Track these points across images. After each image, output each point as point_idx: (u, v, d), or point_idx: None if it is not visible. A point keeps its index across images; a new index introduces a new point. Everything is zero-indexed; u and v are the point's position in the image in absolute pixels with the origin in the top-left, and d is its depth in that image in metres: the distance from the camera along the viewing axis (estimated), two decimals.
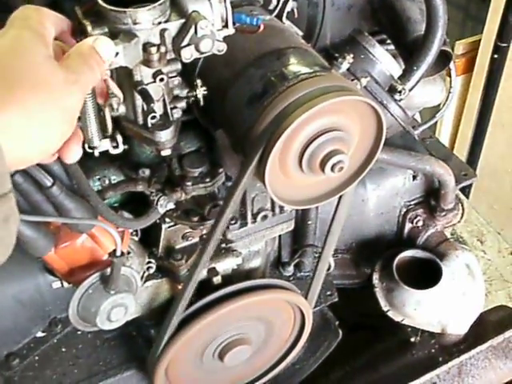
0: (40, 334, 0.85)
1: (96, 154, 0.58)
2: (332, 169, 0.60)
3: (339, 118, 0.59)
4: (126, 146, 0.60)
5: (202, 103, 0.61)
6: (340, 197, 0.73)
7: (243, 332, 0.80)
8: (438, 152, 0.95)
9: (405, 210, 0.93)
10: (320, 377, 0.92)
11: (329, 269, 0.87)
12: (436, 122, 1.10)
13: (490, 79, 1.66)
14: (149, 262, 0.75)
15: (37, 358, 0.83)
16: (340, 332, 0.89)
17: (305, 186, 0.65)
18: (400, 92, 0.77)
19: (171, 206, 0.67)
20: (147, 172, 0.69)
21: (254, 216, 0.78)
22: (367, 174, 0.87)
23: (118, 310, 0.67)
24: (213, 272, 0.77)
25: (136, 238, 0.72)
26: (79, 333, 0.85)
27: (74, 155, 0.50)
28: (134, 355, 0.83)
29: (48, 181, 0.60)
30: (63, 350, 0.84)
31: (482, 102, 1.71)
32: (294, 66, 0.60)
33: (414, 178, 0.92)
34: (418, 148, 0.90)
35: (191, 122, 0.68)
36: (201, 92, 0.61)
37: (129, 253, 0.70)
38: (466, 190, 1.70)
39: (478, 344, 0.90)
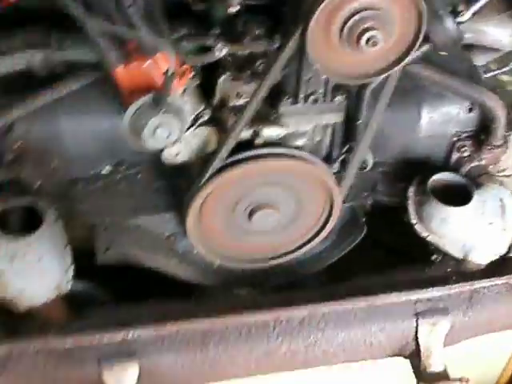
0: (105, 171, 0.98)
1: None
2: (367, 42, 0.69)
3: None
4: None
5: None
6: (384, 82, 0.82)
7: (274, 199, 0.89)
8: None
9: (455, 139, 0.98)
10: (341, 271, 0.99)
11: (365, 167, 0.94)
12: None
13: None
14: (203, 110, 0.85)
15: (99, 187, 0.96)
16: (365, 228, 0.96)
17: (349, 63, 0.74)
18: (460, 12, 0.83)
19: (226, 51, 0.77)
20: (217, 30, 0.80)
21: (306, 97, 0.86)
22: (425, 95, 0.94)
23: (163, 130, 0.77)
24: (256, 134, 0.87)
25: (196, 82, 0.83)
26: (138, 177, 0.98)
27: None
28: (178, 202, 0.94)
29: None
30: (122, 186, 0.96)
31: None
32: None
33: (471, 110, 0.97)
34: (476, 80, 0.95)
35: None
36: None
37: (185, 90, 0.80)
38: None
39: (494, 277, 0.95)
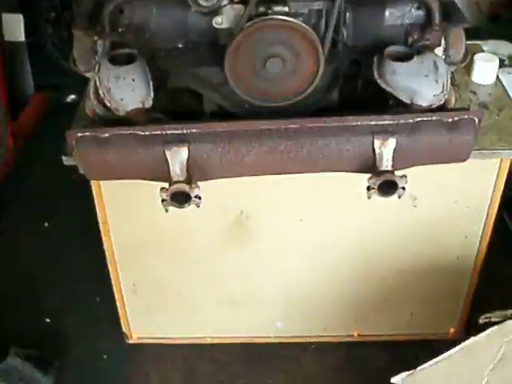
0: (180, 46, 1.51)
1: None
2: None
3: None
4: None
5: None
6: None
7: (280, 53, 1.37)
8: None
9: (409, 28, 1.45)
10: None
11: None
12: None
13: None
14: None
15: (174, 54, 1.48)
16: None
17: None
18: None
19: None
20: None
21: None
22: None
23: None
24: (269, 8, 1.36)
25: None
26: (201, 50, 1.49)
27: None
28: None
29: None
30: (190, 54, 1.47)
31: None
32: None
33: (418, 8, 1.44)
34: None
35: None
36: None
37: None
38: None
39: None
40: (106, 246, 1.76)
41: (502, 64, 2.54)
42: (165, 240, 1.78)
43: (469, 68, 1.82)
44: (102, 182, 1.61)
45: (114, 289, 1.91)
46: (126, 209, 1.69)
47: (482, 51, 1.97)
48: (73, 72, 1.51)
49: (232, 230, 1.74)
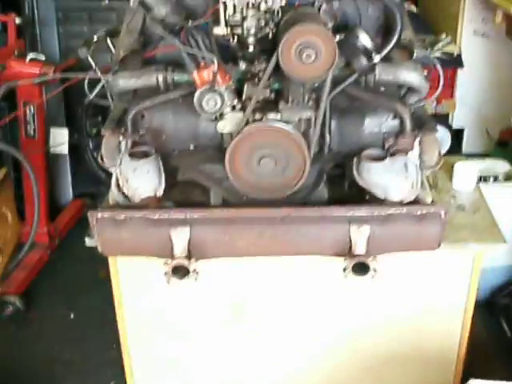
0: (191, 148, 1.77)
1: None
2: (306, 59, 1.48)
3: None
4: None
5: None
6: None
7: (273, 153, 1.63)
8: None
9: (386, 135, 1.69)
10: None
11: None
12: None
13: None
14: (237, 102, 1.63)
15: (185, 154, 1.74)
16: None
17: (301, 70, 1.53)
18: (372, 56, 1.60)
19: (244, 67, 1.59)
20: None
21: (292, 100, 1.62)
22: (367, 109, 1.67)
23: (212, 102, 1.57)
24: (265, 115, 1.63)
25: (233, 85, 1.62)
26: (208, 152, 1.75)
27: None
28: None
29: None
30: (198, 155, 1.74)
31: None
32: None
33: (394, 117, 1.68)
34: (395, 98, 1.68)
35: None
36: None
37: (227, 87, 1.61)
38: None
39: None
40: (118, 320, 1.95)
41: (496, 179, 2.78)
42: (170, 321, 1.97)
43: (451, 176, 2.05)
44: (118, 262, 1.84)
45: (126, 369, 2.08)
46: (138, 287, 1.90)
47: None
48: (108, 182, 1.77)
49: (231, 316, 1.93)
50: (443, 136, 4.49)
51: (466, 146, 4.23)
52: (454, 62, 3.95)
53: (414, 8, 4.67)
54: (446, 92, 4.01)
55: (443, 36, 4.93)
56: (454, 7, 4.09)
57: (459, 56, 3.99)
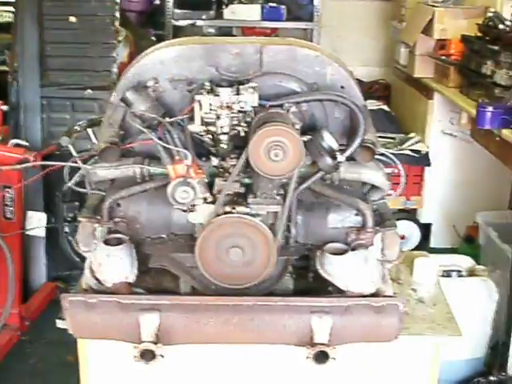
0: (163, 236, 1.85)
1: None
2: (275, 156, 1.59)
3: None
4: None
5: None
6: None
7: (241, 243, 1.71)
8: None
9: (348, 230, 1.79)
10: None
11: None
12: None
13: None
14: (208, 195, 1.73)
15: (157, 242, 1.82)
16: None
17: (270, 167, 1.64)
18: (336, 156, 1.71)
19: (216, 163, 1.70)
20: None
21: (261, 194, 1.72)
22: (331, 205, 1.77)
23: (184, 193, 1.66)
24: (233, 209, 1.72)
25: (205, 179, 1.72)
26: (180, 241, 1.84)
27: None
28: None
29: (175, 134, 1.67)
30: (170, 243, 1.82)
31: None
32: None
33: (357, 214, 1.78)
34: (357, 196, 1.78)
35: None
36: None
37: (199, 181, 1.71)
38: None
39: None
40: None
41: (460, 274, 2.88)
42: None
43: (412, 270, 2.14)
44: (87, 345, 1.87)
45: None
46: (106, 370, 1.93)
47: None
48: (82, 267, 1.84)
49: None
50: (412, 231, 4.64)
51: (434, 241, 4.37)
52: (421, 160, 4.15)
53: (386, 108, 4.90)
54: (414, 188, 4.18)
55: (412, 134, 5.20)
56: (422, 108, 4.31)
57: (427, 154, 4.18)
